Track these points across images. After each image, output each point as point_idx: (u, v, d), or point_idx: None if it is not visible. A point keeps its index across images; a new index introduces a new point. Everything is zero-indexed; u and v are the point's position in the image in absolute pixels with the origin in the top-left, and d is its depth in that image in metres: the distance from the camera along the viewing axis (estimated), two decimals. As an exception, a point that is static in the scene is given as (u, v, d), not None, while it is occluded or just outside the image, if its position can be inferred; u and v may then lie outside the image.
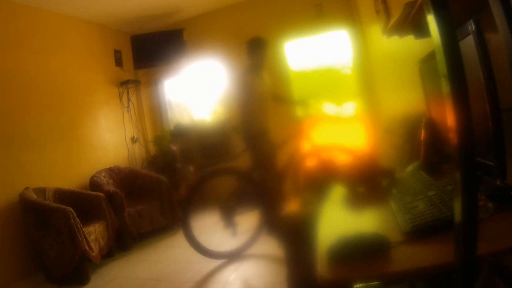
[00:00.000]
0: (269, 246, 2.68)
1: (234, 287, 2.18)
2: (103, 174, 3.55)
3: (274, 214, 2.74)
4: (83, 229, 2.56)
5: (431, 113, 1.44)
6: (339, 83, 4.34)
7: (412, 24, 1.32)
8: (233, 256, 2.62)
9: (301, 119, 2.91)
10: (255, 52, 2.88)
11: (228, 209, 2.80)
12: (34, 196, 2.72)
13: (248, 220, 2.86)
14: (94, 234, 2.69)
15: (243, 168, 2.85)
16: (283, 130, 2.91)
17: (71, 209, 2.51)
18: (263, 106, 2.90)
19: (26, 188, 2.79)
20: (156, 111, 4.90)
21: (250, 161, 2.88)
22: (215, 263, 2.60)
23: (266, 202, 2.80)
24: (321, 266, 0.72)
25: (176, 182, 3.92)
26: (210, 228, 3.20)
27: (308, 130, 2.83)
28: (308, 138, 2.82)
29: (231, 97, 2.90)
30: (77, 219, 2.52)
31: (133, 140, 4.47)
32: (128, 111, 4.46)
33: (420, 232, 0.74)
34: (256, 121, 2.87)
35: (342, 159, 2.66)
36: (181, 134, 2.93)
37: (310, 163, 2.81)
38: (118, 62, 4.40)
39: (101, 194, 2.98)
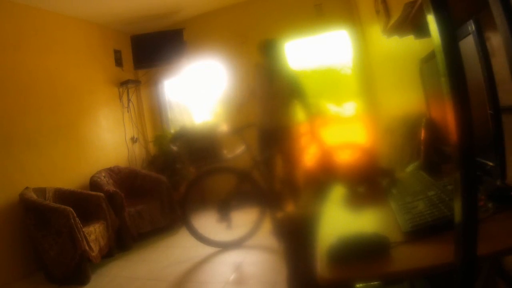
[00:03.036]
0: (268, 243, 2.68)
1: (234, 287, 2.18)
2: (103, 174, 3.55)
3: (274, 213, 2.76)
4: (83, 229, 2.56)
5: (431, 113, 1.44)
6: (339, 83, 4.34)
7: (412, 24, 1.32)
8: (230, 246, 2.79)
9: (310, 118, 2.92)
10: (268, 53, 2.94)
11: (225, 205, 2.86)
12: (34, 196, 2.72)
13: (246, 216, 2.93)
14: (94, 234, 2.68)
15: (242, 167, 2.88)
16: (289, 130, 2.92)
17: (71, 209, 2.51)
18: (280, 104, 2.92)
19: (26, 188, 2.79)
20: (156, 111, 4.90)
21: (260, 158, 2.91)
22: (215, 263, 2.60)
23: (266, 201, 2.82)
24: (321, 266, 0.72)
25: (176, 182, 3.92)
26: (208, 220, 3.21)
27: (318, 130, 2.85)
28: (317, 137, 2.84)
29: (252, 96, 2.96)
30: (77, 219, 2.51)
31: (133, 140, 4.47)
32: (128, 111, 4.46)
33: (420, 232, 0.74)
34: (270, 120, 2.90)
35: (351, 158, 2.66)
36: (182, 137, 2.96)
37: (311, 163, 2.82)
38: (118, 62, 4.40)
39: (101, 194, 2.98)
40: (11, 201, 2.76)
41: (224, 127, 3.21)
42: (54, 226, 2.50)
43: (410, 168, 1.36)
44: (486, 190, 0.83)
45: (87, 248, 2.52)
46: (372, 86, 3.77)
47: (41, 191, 2.89)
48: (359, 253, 0.70)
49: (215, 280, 2.30)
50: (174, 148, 4.18)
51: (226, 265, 2.53)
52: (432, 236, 0.72)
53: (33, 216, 2.57)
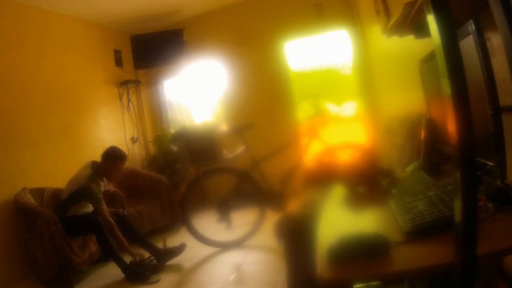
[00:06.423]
0: (268, 243, 2.68)
1: (234, 287, 2.18)
2: (103, 174, 3.54)
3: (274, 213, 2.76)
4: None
5: (431, 113, 1.44)
6: (339, 83, 4.34)
7: (412, 24, 1.32)
8: (230, 246, 2.79)
9: (311, 118, 2.92)
10: None
11: (225, 205, 2.86)
12: (26, 197, 2.69)
13: (246, 216, 2.92)
14: (83, 238, 2.62)
15: (242, 167, 2.88)
16: (289, 130, 2.90)
17: (54, 215, 2.45)
18: None
19: (23, 189, 2.77)
20: (156, 111, 4.90)
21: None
22: (215, 263, 2.60)
23: (265, 201, 2.82)
24: (321, 266, 0.72)
25: (176, 182, 3.92)
26: (208, 220, 3.20)
27: (318, 129, 2.85)
28: (318, 137, 2.83)
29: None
30: (59, 225, 2.44)
31: (133, 140, 4.47)
32: (128, 111, 4.46)
33: (420, 232, 0.74)
34: None
35: (351, 158, 2.66)
36: (182, 137, 2.96)
37: (311, 163, 2.82)
38: (118, 62, 4.40)
39: (101, 194, 2.97)
40: (10, 202, 2.74)
41: (224, 127, 3.21)
42: (38, 229, 2.45)
43: (410, 168, 1.36)
44: (486, 190, 0.83)
45: (69, 254, 2.44)
46: (372, 86, 3.77)
47: (39, 192, 2.87)
48: (359, 253, 0.70)
49: (215, 280, 2.30)
50: (174, 148, 4.18)
51: (226, 265, 2.52)
52: (432, 236, 0.72)
53: (23, 218, 2.56)
